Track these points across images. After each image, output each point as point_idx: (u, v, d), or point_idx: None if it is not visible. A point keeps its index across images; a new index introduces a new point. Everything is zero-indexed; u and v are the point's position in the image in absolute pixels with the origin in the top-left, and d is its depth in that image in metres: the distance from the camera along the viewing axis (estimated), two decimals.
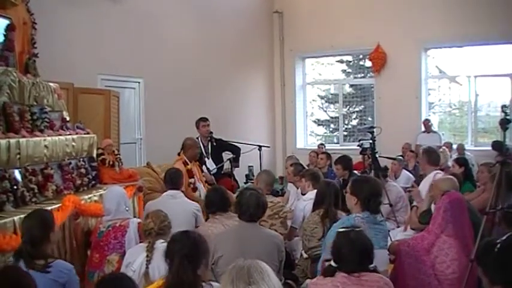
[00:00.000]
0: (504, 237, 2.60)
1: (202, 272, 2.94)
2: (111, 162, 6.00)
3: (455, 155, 9.74)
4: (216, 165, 7.71)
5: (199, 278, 2.90)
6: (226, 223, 4.48)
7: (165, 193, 5.39)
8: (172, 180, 5.38)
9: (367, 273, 3.03)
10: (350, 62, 13.65)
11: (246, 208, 3.91)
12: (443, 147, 10.21)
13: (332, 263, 3.12)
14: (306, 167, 7.60)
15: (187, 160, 6.63)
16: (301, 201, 5.56)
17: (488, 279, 2.57)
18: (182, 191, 5.46)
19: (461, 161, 7.32)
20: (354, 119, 13.78)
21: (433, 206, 4.74)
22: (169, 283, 2.90)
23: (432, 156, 6.21)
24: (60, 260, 3.54)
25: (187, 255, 2.89)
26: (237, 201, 4.05)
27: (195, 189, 6.53)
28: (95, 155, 5.85)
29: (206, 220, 4.93)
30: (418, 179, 7.00)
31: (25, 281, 2.73)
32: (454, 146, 10.91)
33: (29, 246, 3.32)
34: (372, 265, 3.10)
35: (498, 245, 2.54)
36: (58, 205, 4.50)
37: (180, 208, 4.99)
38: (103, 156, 5.96)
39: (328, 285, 3.04)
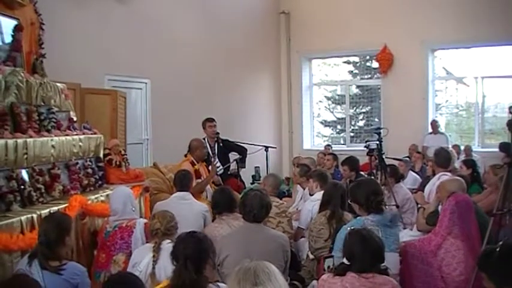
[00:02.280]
0: (501, 243, 2.59)
1: (208, 273, 2.94)
2: (117, 163, 6.00)
3: (462, 157, 9.68)
4: (223, 165, 7.71)
5: (205, 278, 2.90)
6: (232, 224, 4.49)
7: (173, 194, 5.41)
8: (182, 182, 5.40)
9: (377, 275, 3.02)
10: (357, 63, 13.62)
11: (250, 209, 3.93)
12: (451, 149, 10.16)
13: (344, 260, 3.12)
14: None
15: (194, 161, 6.66)
16: (309, 202, 5.53)
17: (495, 285, 2.56)
18: (190, 192, 5.47)
19: (470, 163, 7.29)
20: (361, 120, 13.75)
21: (440, 207, 4.72)
22: (171, 285, 2.90)
23: (438, 158, 6.18)
24: (74, 262, 3.58)
25: (191, 255, 2.89)
26: (241, 202, 4.08)
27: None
28: (101, 155, 5.84)
29: (213, 221, 4.94)
30: (425, 180, 6.96)
31: None
32: (462, 148, 10.84)
33: (44, 248, 3.38)
34: (383, 264, 3.09)
35: (498, 250, 2.53)
36: (65, 205, 4.51)
37: (189, 209, 5.02)
38: (110, 157, 5.96)
39: (338, 285, 3.04)
